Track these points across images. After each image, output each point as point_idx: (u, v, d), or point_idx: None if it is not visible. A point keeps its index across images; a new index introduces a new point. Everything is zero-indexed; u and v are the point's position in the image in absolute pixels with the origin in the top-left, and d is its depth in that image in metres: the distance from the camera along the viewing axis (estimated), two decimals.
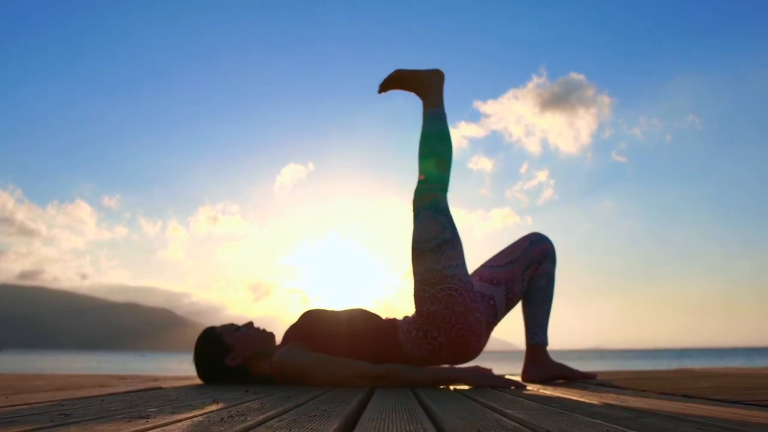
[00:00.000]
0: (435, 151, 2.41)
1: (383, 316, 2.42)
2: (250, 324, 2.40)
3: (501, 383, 2.11)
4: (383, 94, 2.63)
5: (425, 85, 2.53)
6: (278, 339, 2.41)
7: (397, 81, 2.58)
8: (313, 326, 2.33)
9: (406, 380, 2.11)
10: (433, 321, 2.24)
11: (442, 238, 2.28)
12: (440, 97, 2.53)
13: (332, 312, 2.40)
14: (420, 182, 2.39)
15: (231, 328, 2.37)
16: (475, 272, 2.51)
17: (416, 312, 2.30)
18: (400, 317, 2.42)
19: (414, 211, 2.36)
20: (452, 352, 2.28)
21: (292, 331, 2.34)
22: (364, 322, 2.35)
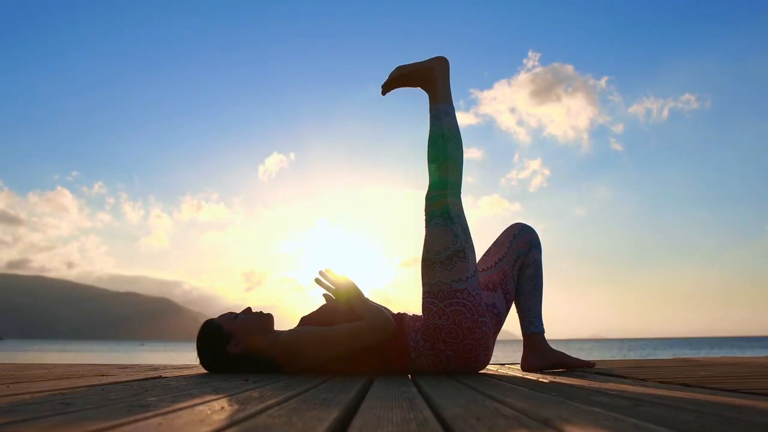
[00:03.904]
0: (443, 153, 2.30)
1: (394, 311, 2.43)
2: (248, 310, 2.41)
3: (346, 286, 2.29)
4: (387, 94, 2.51)
5: (428, 78, 2.41)
6: (277, 324, 2.43)
7: (398, 79, 2.47)
8: (326, 317, 2.35)
9: (366, 307, 2.25)
10: (441, 335, 2.23)
11: (453, 248, 2.24)
12: (446, 89, 2.40)
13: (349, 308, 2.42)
14: (430, 187, 2.32)
15: (229, 317, 2.38)
16: None
17: (424, 323, 2.28)
18: (408, 312, 2.42)
19: (426, 216, 2.30)
20: (460, 365, 2.28)
21: (305, 319, 2.39)
22: None
